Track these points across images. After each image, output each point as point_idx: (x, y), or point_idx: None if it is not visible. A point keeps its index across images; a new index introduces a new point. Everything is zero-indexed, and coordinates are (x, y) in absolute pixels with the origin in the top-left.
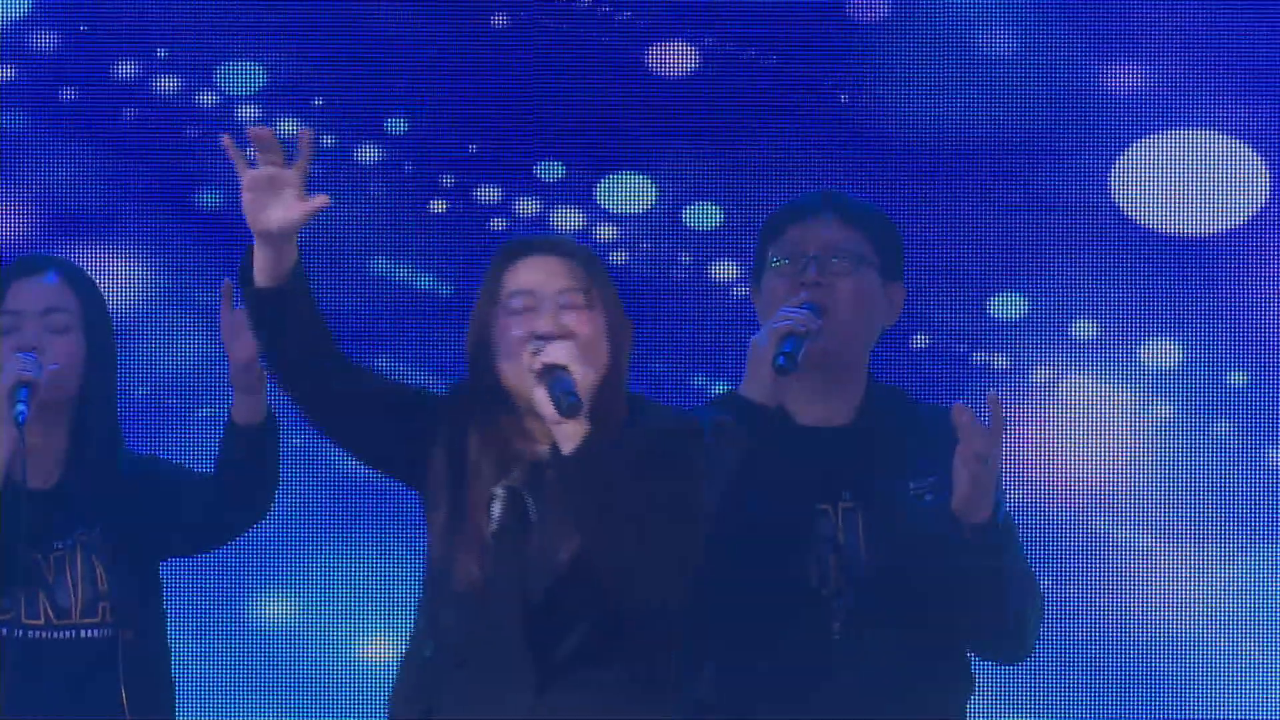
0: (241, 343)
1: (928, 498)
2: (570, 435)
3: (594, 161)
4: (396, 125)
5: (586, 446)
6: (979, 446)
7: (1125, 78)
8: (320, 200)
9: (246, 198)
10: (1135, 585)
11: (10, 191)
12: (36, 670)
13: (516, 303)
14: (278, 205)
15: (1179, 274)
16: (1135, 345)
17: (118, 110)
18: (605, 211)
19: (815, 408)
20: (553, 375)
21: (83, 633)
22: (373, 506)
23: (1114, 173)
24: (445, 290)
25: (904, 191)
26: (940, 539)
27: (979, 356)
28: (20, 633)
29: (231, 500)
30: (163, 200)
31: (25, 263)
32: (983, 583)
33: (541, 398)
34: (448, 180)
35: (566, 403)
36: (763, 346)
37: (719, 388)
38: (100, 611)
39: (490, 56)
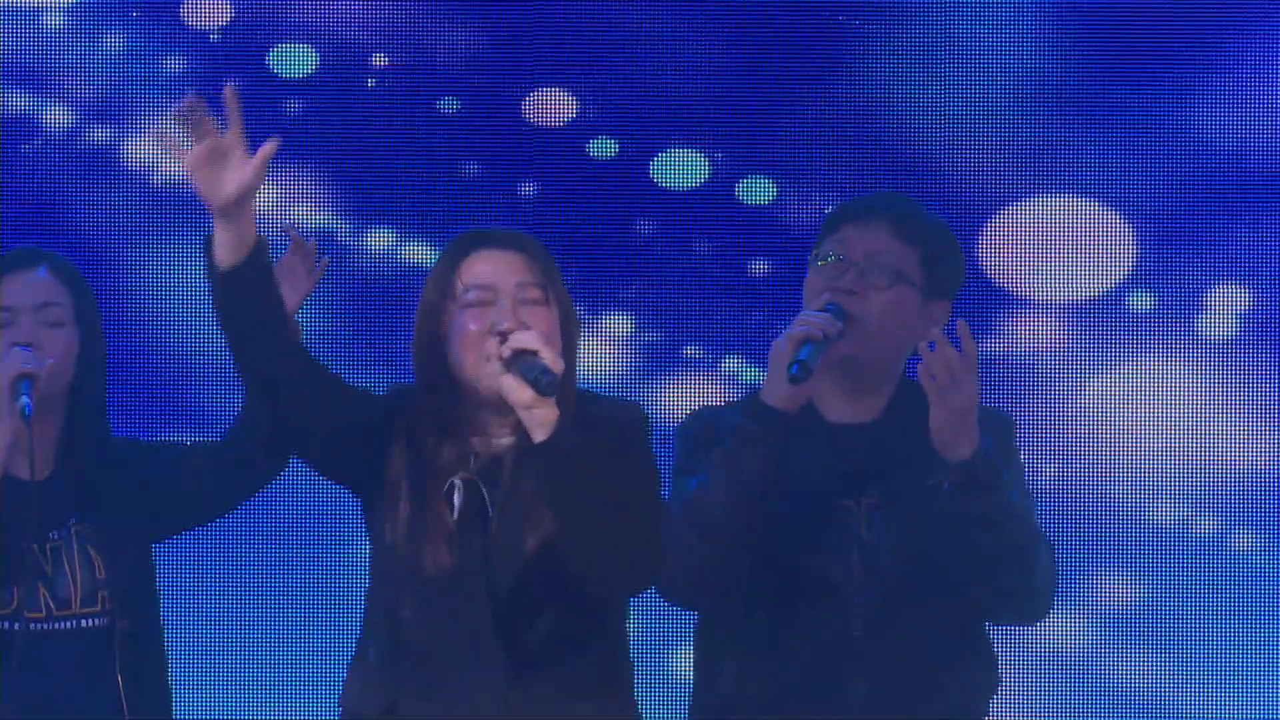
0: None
1: (946, 485)
2: (541, 422)
3: (648, 138)
4: (449, 104)
5: (560, 432)
6: (936, 367)
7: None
8: (268, 148)
9: (196, 179)
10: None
11: (13, 185)
12: (39, 663)
13: (473, 296)
14: (227, 172)
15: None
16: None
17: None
18: (659, 187)
19: (843, 405)
20: (524, 359)
21: (83, 622)
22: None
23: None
24: None
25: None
26: (951, 518)
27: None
28: (22, 625)
29: (247, 455)
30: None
31: (16, 257)
32: (978, 527)
33: (511, 384)
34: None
35: (545, 380)
36: (782, 351)
37: (752, 374)
38: (100, 600)
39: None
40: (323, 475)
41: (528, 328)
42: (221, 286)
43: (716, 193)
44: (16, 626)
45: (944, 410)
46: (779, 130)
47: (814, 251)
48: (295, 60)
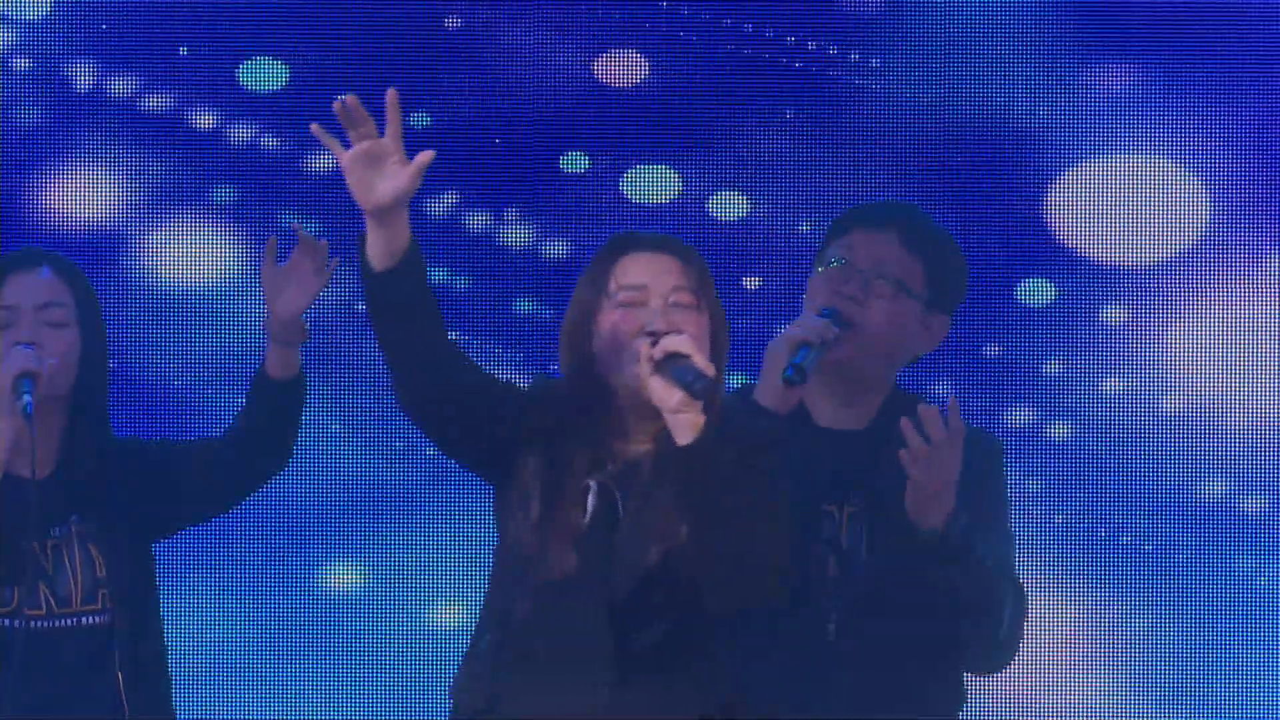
0: (286, 298)
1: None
2: (687, 425)
3: (618, 153)
4: (420, 119)
5: (705, 437)
6: (919, 448)
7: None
8: (424, 157)
9: (351, 180)
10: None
11: (20, 186)
12: (41, 661)
13: (626, 296)
14: (382, 177)
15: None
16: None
17: (133, 107)
18: (630, 203)
19: (833, 410)
20: (676, 362)
21: (84, 620)
22: (381, 499)
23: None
24: (467, 286)
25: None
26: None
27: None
28: (23, 624)
29: (250, 452)
30: (179, 198)
31: (18, 257)
32: (943, 588)
33: (659, 386)
34: (470, 175)
35: (699, 385)
36: (776, 354)
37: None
38: (100, 598)
39: (511, 49)
40: (461, 465)
41: (680, 331)
42: (376, 288)
43: (688, 208)
44: (18, 625)
45: (922, 489)
46: (751, 145)
47: (820, 254)
48: (264, 76)
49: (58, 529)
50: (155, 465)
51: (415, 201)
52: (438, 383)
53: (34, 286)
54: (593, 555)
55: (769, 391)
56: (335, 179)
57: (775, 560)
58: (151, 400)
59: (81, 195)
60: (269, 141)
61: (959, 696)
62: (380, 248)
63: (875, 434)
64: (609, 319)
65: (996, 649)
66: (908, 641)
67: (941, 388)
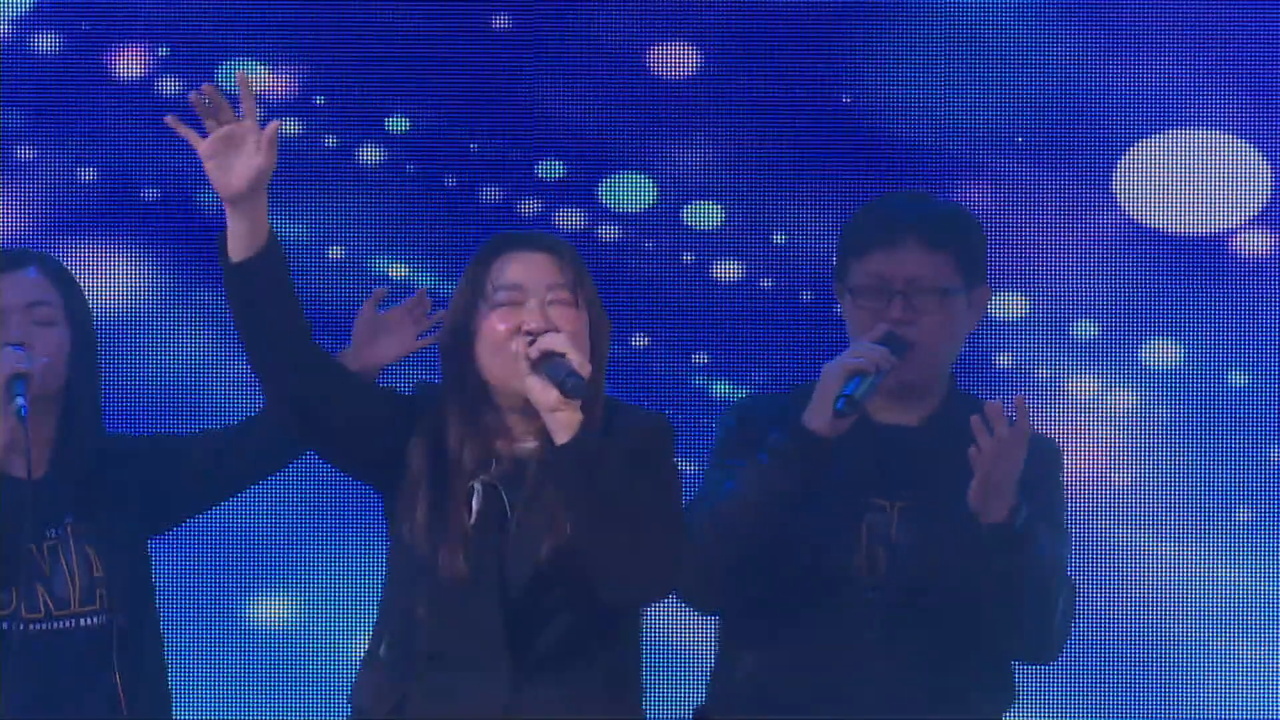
0: (377, 346)
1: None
2: (565, 424)
3: (595, 161)
4: (398, 124)
5: (582, 436)
6: (987, 444)
7: (1129, 75)
8: (272, 127)
9: (209, 167)
10: (1143, 583)
11: (10, 188)
12: (40, 663)
13: (503, 296)
14: (239, 158)
15: (1181, 272)
16: (1138, 344)
17: (118, 109)
18: (607, 210)
19: (891, 408)
20: (551, 361)
21: (82, 621)
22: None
23: (1118, 171)
24: (448, 289)
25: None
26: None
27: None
28: (22, 627)
29: (261, 451)
30: (165, 200)
31: (4, 257)
32: (998, 582)
33: (535, 385)
34: (450, 180)
35: (571, 382)
36: (831, 378)
37: (719, 387)
38: (98, 598)
39: (491, 55)
40: (342, 471)
41: (557, 330)
42: (235, 280)
43: (664, 216)
44: (19, 628)
45: (987, 484)
46: (726, 154)
47: (841, 278)
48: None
49: (53, 530)
50: (149, 461)
51: (399, 204)
52: (308, 385)
53: (21, 286)
54: (483, 555)
55: (818, 415)
56: (335, 179)
57: (666, 553)
58: (150, 400)
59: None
60: None
61: (1008, 694)
62: (240, 238)
63: (931, 431)
64: (487, 320)
65: (1049, 637)
66: (956, 636)
67: None
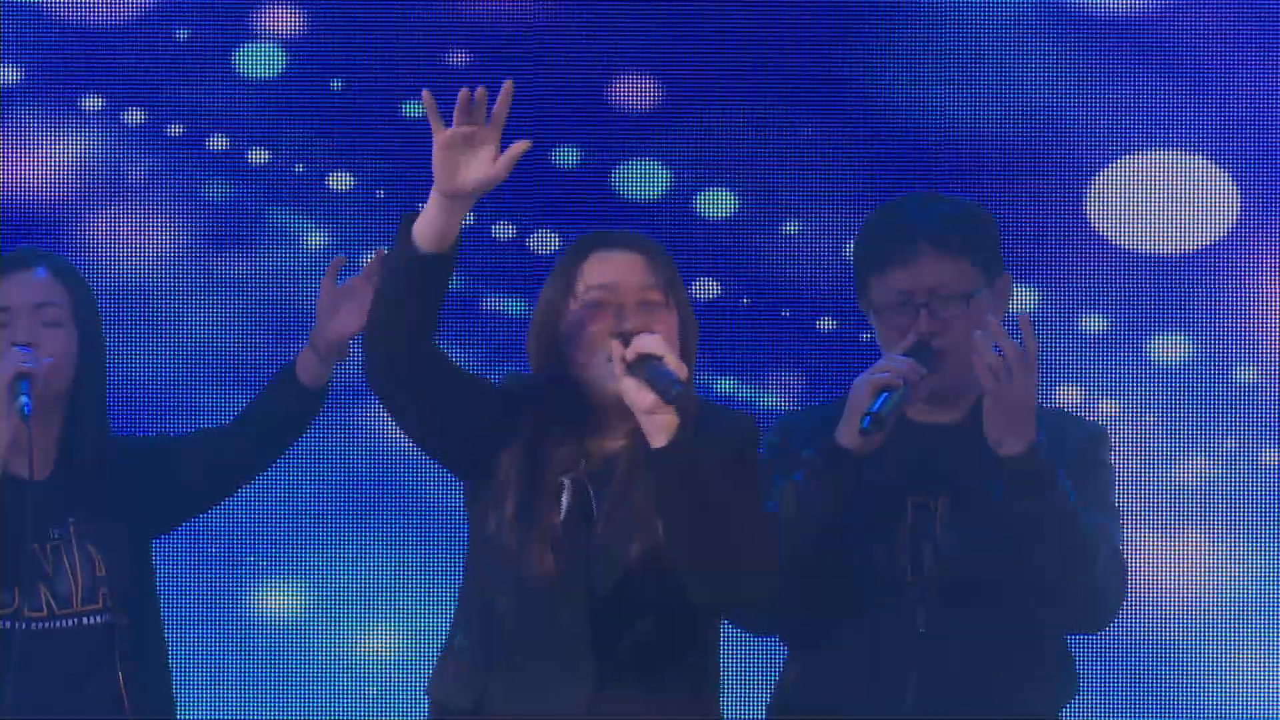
0: (339, 318)
1: (1000, 486)
2: (663, 427)
3: (610, 148)
4: (414, 109)
5: (680, 440)
6: (993, 361)
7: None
8: (518, 148)
9: (440, 156)
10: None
11: (17, 181)
12: (42, 662)
13: (595, 296)
14: (474, 163)
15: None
16: (1143, 340)
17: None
18: (621, 198)
19: (928, 406)
20: (648, 364)
21: (84, 620)
22: (380, 498)
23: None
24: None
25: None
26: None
27: None
28: (25, 625)
29: (256, 444)
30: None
31: (13, 257)
32: (1029, 527)
33: (631, 387)
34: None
35: (675, 390)
36: (859, 394)
37: (723, 384)
38: (101, 598)
39: (504, 42)
40: (431, 459)
41: (652, 332)
42: (415, 267)
43: (676, 204)
44: (21, 626)
45: (998, 405)
46: (741, 141)
47: (864, 296)
48: (261, 61)
49: (57, 529)
50: (153, 462)
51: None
52: (418, 370)
53: (29, 286)
54: (571, 552)
55: (848, 431)
56: (331, 178)
57: (766, 555)
58: (150, 399)
59: (82, 196)
60: (263, 141)
61: (1068, 687)
62: (435, 231)
63: (971, 426)
64: (577, 319)
65: (1095, 599)
66: (1006, 627)
67: None
